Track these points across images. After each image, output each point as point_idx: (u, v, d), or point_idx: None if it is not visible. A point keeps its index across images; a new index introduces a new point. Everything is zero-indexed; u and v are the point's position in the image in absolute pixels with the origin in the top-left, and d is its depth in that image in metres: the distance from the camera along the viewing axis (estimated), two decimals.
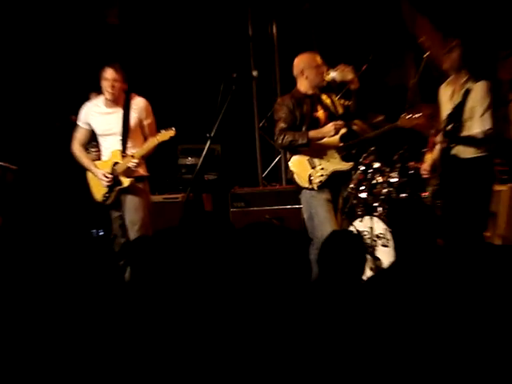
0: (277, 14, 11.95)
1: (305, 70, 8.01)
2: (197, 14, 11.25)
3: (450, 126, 7.58)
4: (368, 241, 8.56)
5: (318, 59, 8.06)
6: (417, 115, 8.05)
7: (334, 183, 7.99)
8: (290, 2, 11.55)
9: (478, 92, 7.50)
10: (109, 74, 8.03)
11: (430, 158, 8.00)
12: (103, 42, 10.85)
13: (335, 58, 8.19)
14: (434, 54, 9.88)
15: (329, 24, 11.33)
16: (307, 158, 7.97)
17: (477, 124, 7.52)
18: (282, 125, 7.92)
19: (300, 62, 8.09)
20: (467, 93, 7.52)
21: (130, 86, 8.26)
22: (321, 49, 10.54)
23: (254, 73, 10.14)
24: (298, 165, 8.04)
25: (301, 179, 8.02)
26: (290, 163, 8.14)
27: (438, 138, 7.80)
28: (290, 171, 8.16)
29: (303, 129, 7.91)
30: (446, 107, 7.73)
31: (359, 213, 8.66)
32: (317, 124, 7.96)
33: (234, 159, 11.42)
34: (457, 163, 7.63)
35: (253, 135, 12.15)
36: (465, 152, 7.65)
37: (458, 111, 7.57)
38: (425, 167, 8.09)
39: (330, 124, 7.89)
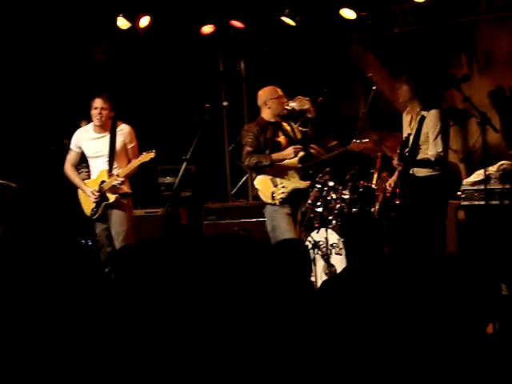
0: (244, 53, 11.99)
1: (267, 101, 8.03)
2: (176, 51, 11.24)
3: (405, 151, 7.64)
4: (323, 249, 8.57)
5: (279, 91, 8.09)
6: (364, 141, 8.12)
7: (293, 199, 8.02)
8: (256, 42, 11.58)
9: (431, 119, 7.55)
10: (97, 103, 8.06)
11: (395, 176, 8.07)
12: (93, 75, 10.82)
13: (295, 90, 8.21)
14: (380, 87, 9.97)
15: (290, 61, 11.36)
16: (270, 177, 8.00)
17: (430, 147, 7.58)
18: (248, 148, 7.94)
19: (263, 94, 8.12)
20: (422, 120, 7.59)
21: (116, 113, 8.25)
22: (283, 82, 10.61)
23: (225, 103, 10.11)
24: (262, 183, 8.06)
25: (265, 196, 8.04)
26: (255, 182, 8.15)
27: (395, 161, 7.84)
28: (255, 189, 8.18)
29: (266, 152, 7.94)
30: (406, 131, 7.80)
31: (316, 225, 8.67)
32: (278, 148, 7.99)
33: (207, 178, 11.40)
34: (414, 181, 7.70)
35: (223, 157, 12.15)
36: (420, 171, 7.72)
37: (416, 137, 7.63)
38: (390, 182, 8.16)
39: (290, 148, 7.92)
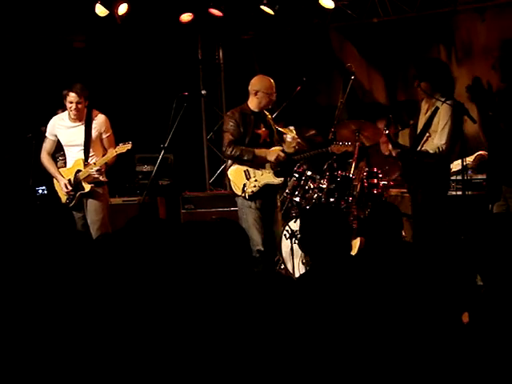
0: (223, 41, 11.96)
1: (259, 92, 7.96)
2: (154, 39, 11.20)
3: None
4: None
5: (273, 87, 7.99)
6: (346, 143, 8.13)
7: (265, 194, 8.02)
8: (235, 31, 11.55)
9: (444, 110, 7.53)
10: (72, 97, 8.01)
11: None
12: (70, 63, 10.75)
13: (274, 79, 8.17)
14: (359, 77, 9.96)
15: (268, 50, 11.34)
16: (244, 169, 7.99)
17: (436, 137, 7.57)
18: (230, 137, 7.91)
19: (257, 83, 8.04)
20: (436, 109, 7.58)
21: (94, 102, 8.21)
22: (261, 71, 10.58)
23: (203, 92, 10.08)
24: (235, 174, 8.06)
25: (236, 187, 8.06)
26: (228, 171, 8.15)
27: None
28: (228, 178, 8.19)
29: (246, 140, 7.92)
30: (422, 119, 7.79)
31: (293, 214, 8.67)
32: (258, 139, 8.00)
33: (185, 167, 11.37)
34: (419, 168, 7.69)
35: (201, 146, 12.13)
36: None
37: (427, 124, 7.65)
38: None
39: (276, 152, 7.92)
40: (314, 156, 8.31)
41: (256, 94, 7.98)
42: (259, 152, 7.92)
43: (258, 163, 7.99)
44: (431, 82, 7.66)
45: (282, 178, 8.10)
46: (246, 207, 7.97)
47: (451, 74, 7.73)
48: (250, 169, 8.00)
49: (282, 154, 7.95)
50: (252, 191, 7.94)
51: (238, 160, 7.96)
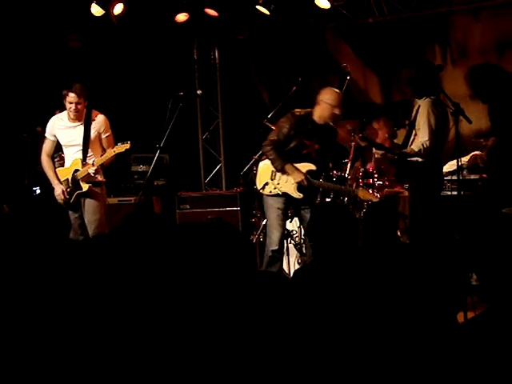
0: (219, 41, 11.97)
1: (322, 102, 7.83)
2: (150, 39, 11.21)
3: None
4: (296, 239, 8.60)
5: (337, 101, 7.84)
6: (374, 194, 8.07)
7: (289, 199, 7.99)
8: (231, 31, 11.56)
9: (423, 107, 7.55)
10: (72, 98, 7.96)
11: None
12: (66, 63, 10.77)
13: (269, 79, 8.20)
14: (354, 77, 9.99)
15: (264, 50, 11.36)
16: (273, 169, 7.93)
17: (420, 135, 7.59)
18: (275, 137, 7.85)
19: (323, 93, 7.90)
20: (418, 108, 7.62)
21: (91, 102, 8.21)
22: (257, 71, 10.61)
23: (199, 91, 10.11)
24: (264, 169, 8.05)
25: (258, 181, 8.08)
26: (260, 164, 8.17)
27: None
28: (255, 170, 8.26)
29: (291, 145, 7.82)
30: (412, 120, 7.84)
31: (289, 214, 8.67)
32: (302, 148, 7.87)
33: (180, 167, 11.39)
34: (409, 167, 7.72)
35: (197, 146, 12.12)
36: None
37: (412, 124, 7.68)
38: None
39: (300, 176, 7.80)
40: (335, 190, 8.29)
41: (319, 102, 7.84)
42: (288, 168, 7.81)
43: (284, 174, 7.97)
44: (412, 87, 7.69)
45: (302, 195, 7.89)
46: (269, 205, 7.95)
47: (433, 73, 7.70)
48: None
49: (305, 182, 7.81)
50: (270, 191, 7.95)
51: (268, 159, 7.96)
